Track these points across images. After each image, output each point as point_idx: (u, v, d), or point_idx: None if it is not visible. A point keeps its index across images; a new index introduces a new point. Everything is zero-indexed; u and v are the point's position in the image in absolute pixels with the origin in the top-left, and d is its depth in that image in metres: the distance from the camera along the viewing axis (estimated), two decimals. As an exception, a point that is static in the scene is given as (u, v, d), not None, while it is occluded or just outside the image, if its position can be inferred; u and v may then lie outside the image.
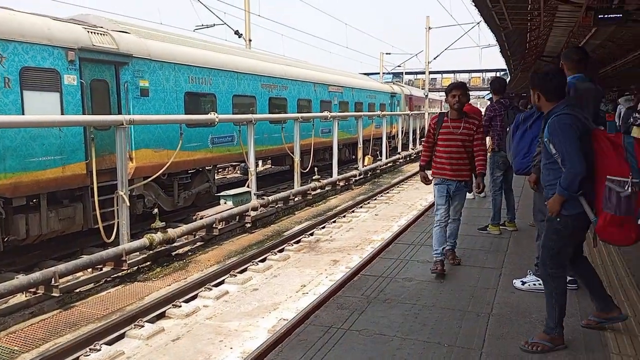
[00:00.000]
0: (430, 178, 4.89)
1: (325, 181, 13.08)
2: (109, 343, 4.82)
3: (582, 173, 2.94)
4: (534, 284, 4.24)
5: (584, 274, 3.47)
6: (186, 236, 8.24)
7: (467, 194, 9.30)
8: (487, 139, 6.57)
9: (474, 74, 52.26)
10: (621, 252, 5.22)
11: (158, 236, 7.30)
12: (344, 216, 10.66)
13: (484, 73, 50.60)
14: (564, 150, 2.98)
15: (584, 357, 3.15)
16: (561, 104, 3.16)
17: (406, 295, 4.31)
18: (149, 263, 7.31)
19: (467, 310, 3.95)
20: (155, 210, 7.74)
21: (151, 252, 7.28)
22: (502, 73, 37.72)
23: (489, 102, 6.53)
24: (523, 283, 4.35)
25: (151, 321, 5.31)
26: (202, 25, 20.51)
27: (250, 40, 19.33)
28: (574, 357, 3.15)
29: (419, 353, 3.27)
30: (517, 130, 3.93)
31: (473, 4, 9.57)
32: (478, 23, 25.58)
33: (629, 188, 2.83)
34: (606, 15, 7.98)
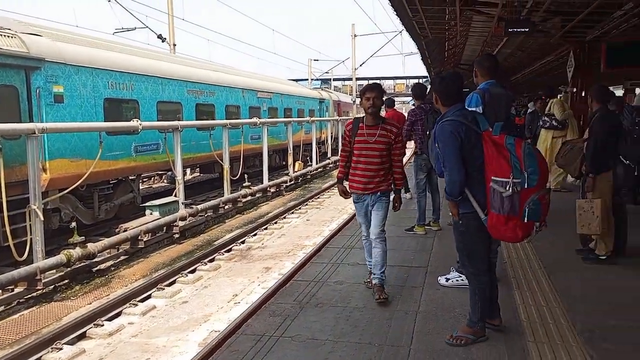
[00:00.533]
0: (349, 191, 4.34)
1: (255, 188, 12.96)
2: (23, 370, 4.45)
3: (459, 180, 3.09)
4: (457, 280, 4.45)
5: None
6: (108, 250, 7.81)
7: (404, 193, 9.58)
8: (412, 142, 6.85)
9: (398, 81, 54.21)
10: (533, 246, 5.60)
11: (76, 252, 6.86)
12: (276, 222, 10.62)
13: (407, 80, 52.62)
14: (445, 156, 3.12)
15: (503, 347, 3.33)
16: (452, 109, 3.23)
17: (338, 299, 4.35)
18: (67, 281, 6.85)
19: (396, 309, 4.05)
20: (73, 224, 7.27)
21: (69, 269, 6.82)
22: (424, 80, 39.44)
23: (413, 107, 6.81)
24: (447, 279, 4.54)
25: (70, 343, 4.98)
26: (123, 28, 19.69)
27: (174, 45, 18.82)
28: (495, 348, 3.32)
29: (351, 355, 3.31)
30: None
31: (395, 13, 9.93)
32: (400, 32, 26.62)
33: (510, 188, 2.92)
34: (515, 28, 8.59)
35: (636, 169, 4.27)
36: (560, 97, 9.29)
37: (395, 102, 11.57)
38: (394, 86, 53.94)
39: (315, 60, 38.41)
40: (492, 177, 3.00)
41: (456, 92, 3.29)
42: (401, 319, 3.86)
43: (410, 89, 8.19)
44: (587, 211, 4.52)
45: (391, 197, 4.35)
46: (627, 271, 4.81)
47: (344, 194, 4.39)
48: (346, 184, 4.40)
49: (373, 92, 4.13)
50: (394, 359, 3.24)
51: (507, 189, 2.92)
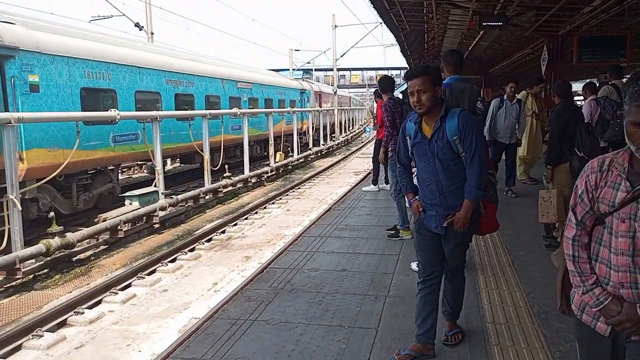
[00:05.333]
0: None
1: (236, 178, 13.04)
2: (4, 356, 4.53)
3: (486, 171, 3.01)
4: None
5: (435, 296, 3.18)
6: (88, 240, 7.85)
7: (372, 185, 9.73)
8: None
9: (380, 72, 54.45)
10: (502, 234, 5.86)
11: (55, 241, 6.90)
12: (256, 212, 10.73)
13: (388, 71, 52.87)
14: (478, 148, 2.87)
15: (464, 327, 3.55)
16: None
17: (311, 285, 4.54)
18: (46, 270, 6.89)
19: (367, 294, 4.26)
20: (52, 213, 7.29)
21: (48, 258, 6.87)
22: (404, 71, 39.67)
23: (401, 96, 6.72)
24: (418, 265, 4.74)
25: (51, 330, 5.05)
26: (99, 16, 19.42)
27: (152, 34, 18.63)
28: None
29: (321, 336, 3.50)
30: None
31: (372, 5, 10.06)
32: (380, 23, 26.70)
33: (497, 180, 3.19)
34: (489, 22, 8.82)
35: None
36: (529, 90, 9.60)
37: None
38: (376, 77, 54.17)
39: (296, 50, 38.21)
40: (489, 171, 3.06)
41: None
42: (371, 303, 4.06)
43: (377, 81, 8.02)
44: (546, 201, 4.77)
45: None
46: (586, 257, 5.08)
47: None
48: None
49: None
50: (362, 339, 3.45)
51: (496, 180, 3.18)
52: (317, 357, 3.25)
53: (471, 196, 2.90)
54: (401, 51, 20.02)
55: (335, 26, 30.14)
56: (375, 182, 9.69)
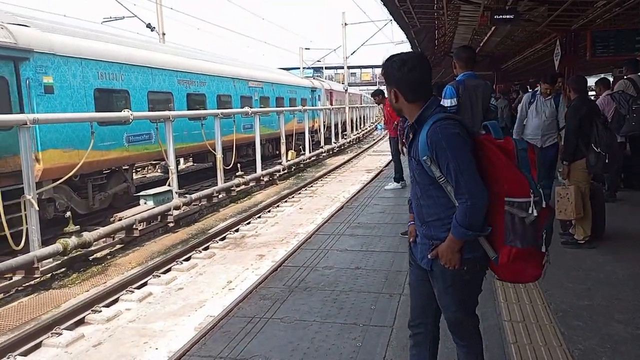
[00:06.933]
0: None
1: (249, 177, 13.10)
2: (25, 354, 4.62)
3: (485, 202, 2.10)
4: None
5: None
6: (104, 239, 7.95)
7: (395, 183, 9.62)
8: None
9: (390, 69, 54.14)
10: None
11: (72, 240, 7.00)
12: (269, 211, 10.77)
13: (400, 67, 52.48)
14: (458, 170, 2.07)
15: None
16: (431, 105, 2.23)
17: (325, 283, 4.55)
18: (64, 269, 6.99)
19: (381, 292, 4.26)
20: (68, 213, 7.40)
21: (66, 257, 6.97)
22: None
23: None
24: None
25: (69, 328, 5.13)
26: (111, 17, 19.62)
27: (164, 34, 18.76)
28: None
29: (336, 334, 3.51)
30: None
31: (382, 2, 10.03)
32: (390, 20, 26.58)
33: (533, 210, 2.08)
34: (501, 16, 8.73)
35: (607, 156, 4.46)
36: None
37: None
38: (387, 74, 53.87)
39: (306, 48, 38.27)
40: (507, 198, 2.10)
41: (424, 82, 2.25)
42: (385, 301, 4.06)
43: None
44: (563, 197, 4.73)
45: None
46: (603, 255, 5.02)
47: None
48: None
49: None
50: (377, 338, 3.45)
51: (531, 211, 2.08)
52: (332, 355, 3.26)
53: (455, 233, 2.14)
54: (411, 48, 19.90)
55: (346, 24, 30.07)
56: (398, 180, 9.55)
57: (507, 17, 8.80)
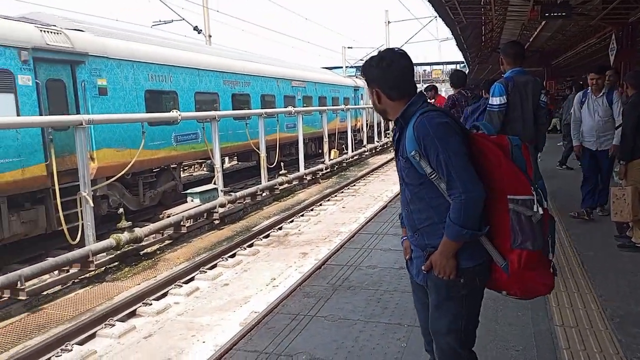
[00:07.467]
0: None
1: (292, 175, 13.22)
2: (80, 343, 4.85)
3: (482, 196, 1.90)
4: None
5: None
6: (154, 235, 8.24)
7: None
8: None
9: (434, 67, 53.32)
10: (570, 233, 5.59)
11: (125, 236, 7.29)
12: (312, 209, 10.83)
13: (444, 65, 51.67)
14: (449, 162, 1.89)
15: (530, 329, 3.43)
16: (416, 101, 2.05)
17: (369, 282, 4.53)
18: (116, 263, 7.30)
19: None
20: (121, 209, 7.71)
21: (118, 252, 7.27)
22: (461, 65, 38.66)
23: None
24: None
25: (122, 320, 5.36)
26: (160, 21, 20.26)
27: (210, 36, 19.22)
28: (521, 329, 3.42)
29: (381, 334, 3.49)
30: (466, 124, 4.16)
31: (428, -1, 9.87)
32: (435, 17, 26.14)
33: (539, 208, 1.92)
34: (552, 11, 8.40)
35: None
36: None
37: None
38: (431, 72, 53.11)
39: (349, 47, 38.11)
40: (510, 196, 1.93)
41: (406, 78, 2.08)
42: (431, 301, 4.00)
43: (448, 76, 8.22)
44: (619, 198, 4.51)
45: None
46: (663, 258, 4.76)
47: None
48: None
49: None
50: (422, 339, 3.39)
51: (537, 209, 1.91)
52: (377, 354, 3.25)
53: (449, 233, 1.93)
54: (457, 45, 19.51)
55: (389, 22, 29.83)
56: None
57: (559, 13, 8.45)
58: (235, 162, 18.82)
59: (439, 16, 12.60)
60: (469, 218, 1.89)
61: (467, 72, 28.25)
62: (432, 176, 1.94)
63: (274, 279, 6.53)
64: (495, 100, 4.09)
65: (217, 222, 9.57)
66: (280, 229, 9.22)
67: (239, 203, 10.53)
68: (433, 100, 9.88)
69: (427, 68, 53.06)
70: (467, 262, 1.98)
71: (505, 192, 1.93)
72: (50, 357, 4.58)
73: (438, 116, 1.95)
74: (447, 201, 1.94)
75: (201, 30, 19.23)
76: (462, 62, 35.47)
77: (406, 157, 2.01)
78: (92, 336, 5.05)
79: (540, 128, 4.29)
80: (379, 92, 2.07)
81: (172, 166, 10.99)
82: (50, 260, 6.44)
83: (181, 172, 12.83)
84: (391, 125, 29.12)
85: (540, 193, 1.95)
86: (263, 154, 12.11)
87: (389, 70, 2.02)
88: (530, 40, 16.24)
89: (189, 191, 10.04)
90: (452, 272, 1.97)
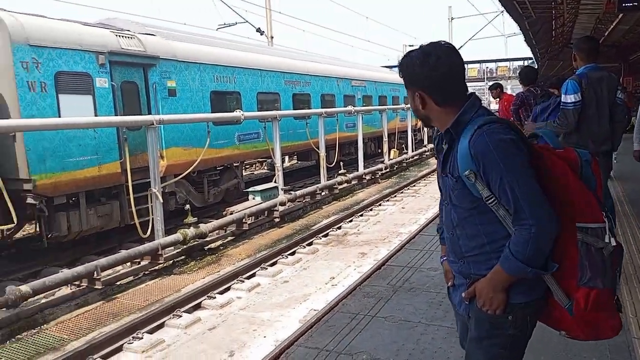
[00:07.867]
0: None
1: (351, 175, 13.23)
2: (150, 332, 5.13)
3: (558, 231, 1.59)
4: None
5: None
6: (217, 231, 8.53)
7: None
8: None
9: (500, 64, 51.33)
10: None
11: (191, 231, 7.60)
12: (371, 209, 10.79)
13: (511, 62, 49.62)
14: (516, 189, 1.57)
15: (605, 341, 3.23)
16: (470, 108, 1.71)
17: (431, 284, 4.45)
18: (183, 257, 7.63)
19: (491, 297, 4.06)
20: (187, 206, 8.05)
21: (185, 246, 7.60)
22: (530, 61, 36.98)
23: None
24: None
25: (188, 311, 5.60)
26: (225, 23, 20.91)
27: (272, 37, 19.61)
28: (597, 342, 3.23)
29: (443, 337, 3.42)
30: (536, 122, 3.99)
31: (494, -6, 9.51)
32: (502, 12, 25.19)
33: (611, 239, 1.62)
34: (630, 2, 7.84)
35: None
36: None
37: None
38: (496, 69, 51.16)
39: (410, 45, 37.49)
40: (579, 224, 1.62)
41: (457, 79, 1.73)
42: (496, 307, 3.87)
43: (517, 73, 8.01)
44: None
45: None
46: None
47: None
48: None
49: None
50: (487, 345, 3.30)
51: (608, 240, 1.62)
52: (438, 358, 3.19)
53: (507, 267, 1.62)
54: (525, 40, 18.64)
55: (452, 18, 29.09)
56: None
57: (639, 3, 7.85)
58: (295, 161, 19.09)
59: (506, 11, 12.12)
60: (536, 255, 1.59)
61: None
62: (490, 200, 1.63)
63: (333, 278, 6.57)
64: (569, 98, 3.89)
65: (277, 220, 9.76)
66: (339, 228, 9.25)
67: (298, 202, 10.68)
68: (498, 100, 9.52)
69: (492, 65, 51.17)
70: (520, 297, 1.68)
71: (573, 219, 1.62)
72: (122, 344, 4.87)
73: (501, 130, 1.61)
74: (505, 229, 1.65)
75: (264, 31, 19.68)
76: (531, 58, 33.89)
77: (457, 176, 1.69)
78: (161, 326, 5.31)
79: (616, 126, 4.04)
80: (423, 96, 1.73)
81: (234, 164, 11.33)
82: (124, 253, 6.84)
83: (243, 170, 13.20)
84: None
85: (611, 218, 1.67)
86: (322, 153, 12.21)
87: (436, 69, 1.67)
88: (606, 34, 15.24)
89: (250, 189, 10.31)
90: (500, 307, 1.67)
